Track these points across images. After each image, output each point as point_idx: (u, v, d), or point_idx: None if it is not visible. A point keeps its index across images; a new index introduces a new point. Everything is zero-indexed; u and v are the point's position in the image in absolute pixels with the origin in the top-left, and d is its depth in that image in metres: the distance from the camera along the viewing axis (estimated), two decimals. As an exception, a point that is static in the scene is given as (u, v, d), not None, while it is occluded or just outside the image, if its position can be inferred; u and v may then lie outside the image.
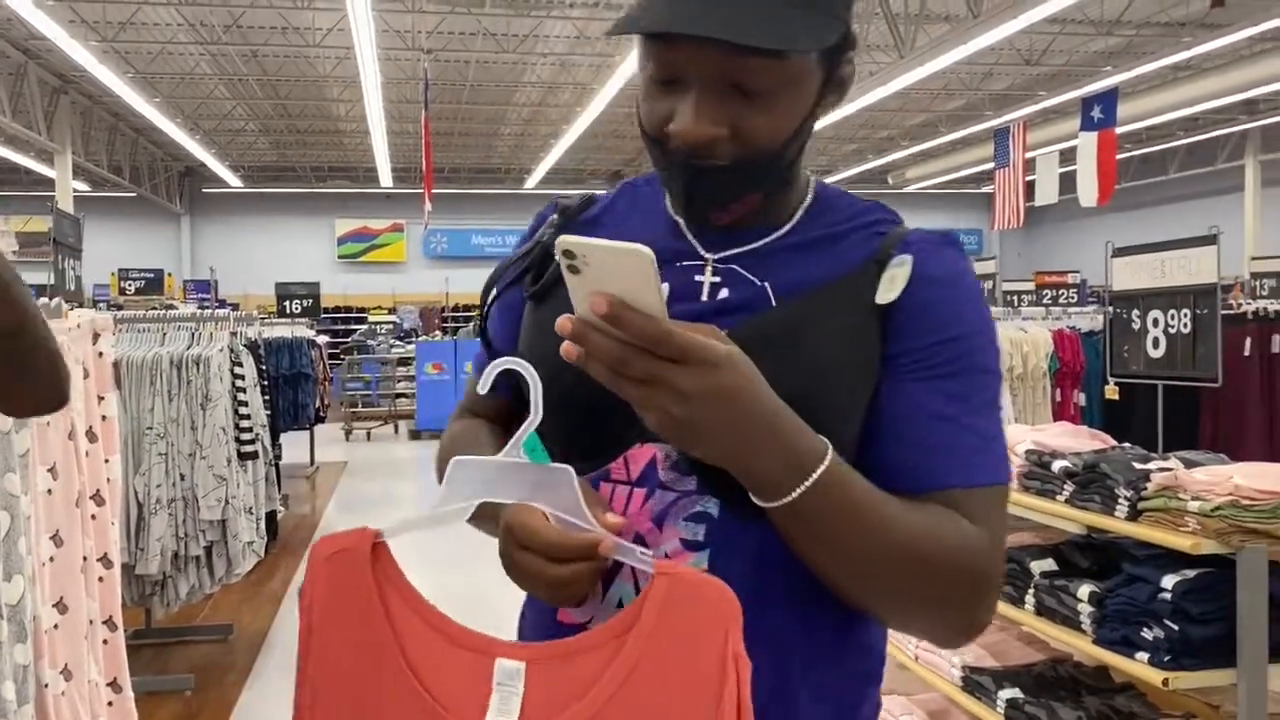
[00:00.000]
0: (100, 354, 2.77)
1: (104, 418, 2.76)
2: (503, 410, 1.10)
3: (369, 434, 13.87)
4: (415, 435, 13.37)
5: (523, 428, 0.85)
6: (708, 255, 1.00)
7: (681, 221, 1.02)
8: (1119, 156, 13.65)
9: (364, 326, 18.90)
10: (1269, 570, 2.21)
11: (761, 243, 0.99)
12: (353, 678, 0.85)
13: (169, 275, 19.01)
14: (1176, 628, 2.23)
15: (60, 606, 2.49)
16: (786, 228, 1.00)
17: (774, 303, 0.96)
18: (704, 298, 0.98)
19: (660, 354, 0.77)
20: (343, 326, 20.26)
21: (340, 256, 23.91)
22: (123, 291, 16.21)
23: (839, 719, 0.97)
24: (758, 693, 0.81)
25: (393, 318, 20.05)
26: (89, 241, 5.45)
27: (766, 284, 0.97)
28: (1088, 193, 10.22)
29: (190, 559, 4.22)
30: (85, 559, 2.60)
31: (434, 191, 15.13)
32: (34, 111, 13.76)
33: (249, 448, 4.42)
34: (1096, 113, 10.44)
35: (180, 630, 5.08)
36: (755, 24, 0.85)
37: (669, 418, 0.79)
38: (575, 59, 14.30)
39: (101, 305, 12.68)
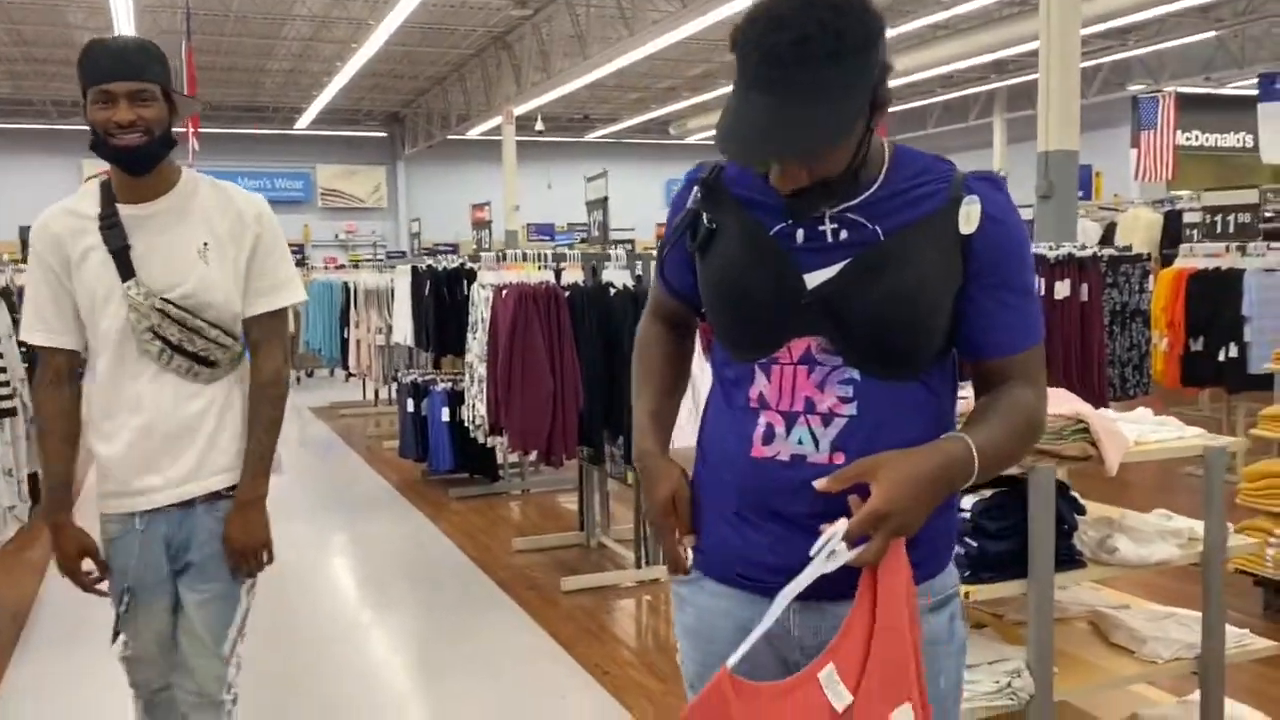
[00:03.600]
0: None
1: None
2: (681, 311, 1.64)
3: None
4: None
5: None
6: (825, 209, 1.41)
7: None
8: (885, 111, 14.38)
9: (121, 275, 17.44)
10: (1055, 489, 2.40)
11: (861, 198, 1.41)
12: None
13: (-116, 219, 16.93)
14: (976, 544, 2.39)
15: None
16: (876, 184, 1.41)
17: (882, 238, 1.39)
18: (829, 240, 1.41)
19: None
20: (96, 276, 18.68)
21: (90, 200, 21.99)
22: None
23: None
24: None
25: (153, 266, 18.65)
26: None
27: (876, 226, 1.40)
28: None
29: (-59, 528, 3.82)
30: None
31: (199, 131, 14.11)
32: None
33: (6, 403, 4.02)
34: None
35: (-72, 608, 4.60)
36: (803, 132, 1.27)
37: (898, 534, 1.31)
38: (351, -7, 13.63)
39: None
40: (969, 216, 1.39)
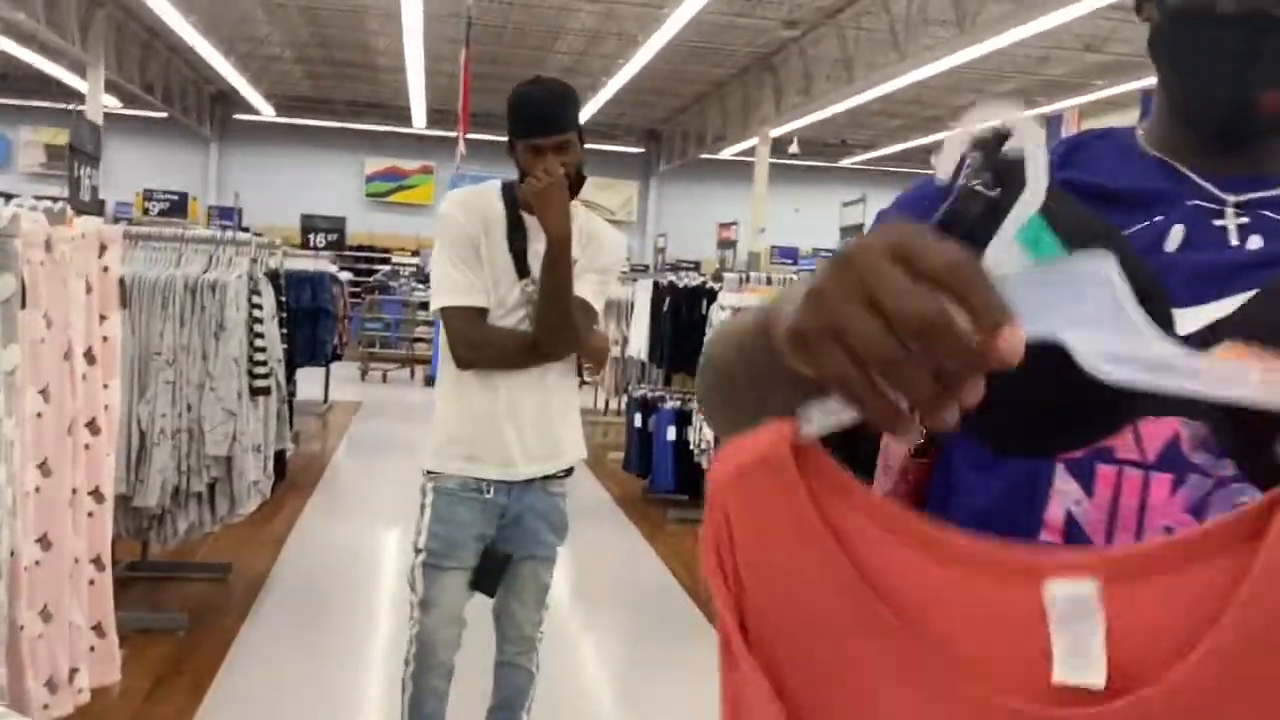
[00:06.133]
0: (106, 269, 2.53)
1: (105, 339, 2.53)
2: None
3: (385, 375, 13.70)
4: (430, 381, 13.17)
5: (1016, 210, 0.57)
6: (1227, 197, 0.80)
7: (1176, 163, 0.83)
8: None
9: (386, 267, 18.64)
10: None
11: None
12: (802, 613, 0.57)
13: (193, 199, 18.79)
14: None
15: (44, 542, 2.27)
16: None
17: None
18: (1229, 245, 0.78)
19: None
20: (365, 266, 20.04)
21: (368, 195, 23.64)
22: (146, 212, 16.03)
23: None
24: None
25: (416, 260, 19.81)
26: (116, 158, 5.21)
27: None
28: (1143, 187, 9.87)
29: (191, 495, 4.01)
30: (74, 491, 2.38)
31: (467, 136, 14.81)
32: (68, 21, 13.49)
33: (261, 382, 4.20)
34: (1156, 106, 10.08)
35: (177, 566, 4.89)
36: None
37: None
38: (621, 8, 13.93)
39: (123, 223, 12.44)
40: None
